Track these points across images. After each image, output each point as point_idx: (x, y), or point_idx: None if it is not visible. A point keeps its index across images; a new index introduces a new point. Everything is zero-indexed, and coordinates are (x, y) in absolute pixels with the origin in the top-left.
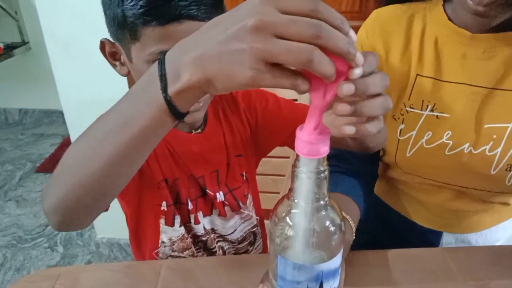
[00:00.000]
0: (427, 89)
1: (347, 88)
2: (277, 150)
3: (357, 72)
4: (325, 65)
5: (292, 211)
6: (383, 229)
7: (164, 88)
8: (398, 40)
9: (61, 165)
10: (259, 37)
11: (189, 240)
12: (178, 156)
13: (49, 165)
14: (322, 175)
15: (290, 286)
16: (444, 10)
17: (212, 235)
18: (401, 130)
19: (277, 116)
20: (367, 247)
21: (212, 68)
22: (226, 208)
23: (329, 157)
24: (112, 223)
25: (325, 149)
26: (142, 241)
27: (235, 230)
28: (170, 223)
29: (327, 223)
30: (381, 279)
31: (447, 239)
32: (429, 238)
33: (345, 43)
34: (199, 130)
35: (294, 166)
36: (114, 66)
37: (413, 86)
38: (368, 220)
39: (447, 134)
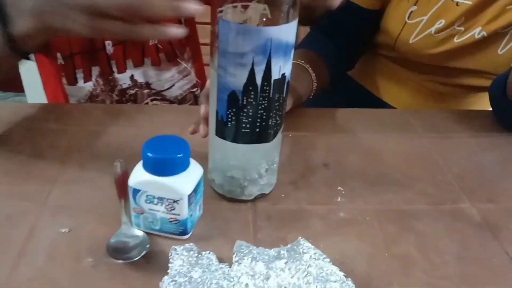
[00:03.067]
0: None
1: None
2: None
3: None
4: (158, 9)
5: None
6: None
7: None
8: None
9: None
10: None
11: (102, 97)
12: None
13: None
14: None
15: (233, 62)
16: None
17: (145, 91)
18: (411, 12)
19: None
20: None
21: (50, 20)
22: (161, 55)
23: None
24: None
25: None
26: None
27: (173, 85)
28: (72, 81)
29: None
30: (333, 127)
31: None
32: None
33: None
34: None
35: None
36: None
37: None
38: (336, 103)
39: (459, 20)
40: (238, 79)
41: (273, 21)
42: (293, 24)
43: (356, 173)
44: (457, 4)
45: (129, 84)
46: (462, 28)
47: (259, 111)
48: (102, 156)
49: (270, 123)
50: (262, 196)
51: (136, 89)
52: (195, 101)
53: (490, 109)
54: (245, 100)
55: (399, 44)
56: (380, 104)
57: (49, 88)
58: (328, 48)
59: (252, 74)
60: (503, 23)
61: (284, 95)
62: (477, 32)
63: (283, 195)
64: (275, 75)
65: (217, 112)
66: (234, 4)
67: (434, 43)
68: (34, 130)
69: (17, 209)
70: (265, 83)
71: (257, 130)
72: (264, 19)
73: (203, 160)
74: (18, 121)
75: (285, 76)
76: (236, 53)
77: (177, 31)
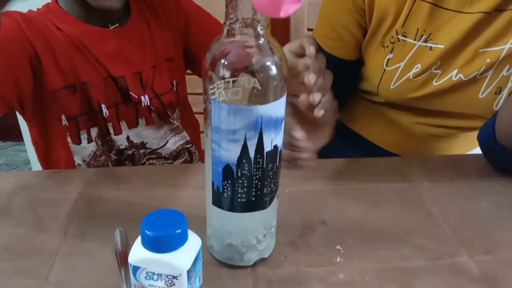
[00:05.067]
0: (424, 16)
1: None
2: None
3: None
4: None
5: (225, 42)
6: (341, 156)
7: None
8: None
9: None
10: None
11: (104, 158)
12: (90, 53)
13: None
14: None
15: (226, 138)
16: None
17: (141, 150)
18: (388, 59)
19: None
20: None
21: None
22: (153, 115)
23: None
24: None
25: None
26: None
27: (167, 142)
28: (76, 140)
29: (266, 57)
30: (328, 180)
31: None
32: None
33: None
34: (117, 25)
35: None
36: None
37: (409, 11)
38: (327, 148)
39: (436, 64)
40: (231, 153)
41: (262, 95)
42: (282, 100)
43: (354, 229)
44: (430, 48)
45: (126, 145)
46: (439, 71)
47: (254, 181)
48: (101, 225)
49: (265, 191)
50: (261, 260)
51: (133, 149)
52: (190, 156)
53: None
54: (239, 172)
55: (381, 90)
56: (372, 147)
57: (44, 150)
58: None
59: (245, 148)
60: (479, 66)
61: (277, 164)
62: (454, 74)
63: (282, 258)
64: (267, 147)
65: (213, 183)
66: (226, 80)
67: (414, 87)
68: (35, 200)
69: (18, 287)
70: (258, 156)
71: (253, 199)
72: (255, 90)
73: (201, 223)
74: (19, 191)
75: (277, 147)
76: (228, 130)
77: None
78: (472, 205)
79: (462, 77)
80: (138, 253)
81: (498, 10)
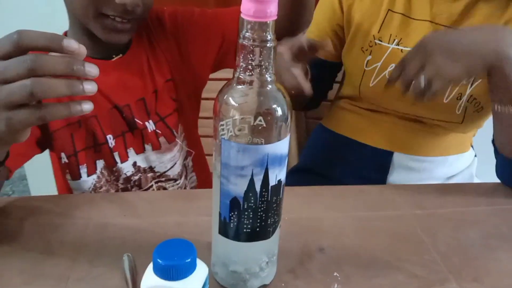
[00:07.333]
0: (396, 24)
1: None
2: None
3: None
4: (53, 90)
5: (235, 88)
6: (332, 162)
7: None
8: None
9: None
10: None
11: (104, 189)
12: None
13: None
14: (268, 44)
15: (234, 174)
16: None
17: (149, 174)
18: (367, 61)
19: (203, 25)
20: (316, 184)
21: None
22: (161, 139)
23: None
24: None
25: (272, 11)
26: None
27: (175, 163)
28: (76, 176)
29: (272, 102)
30: (325, 208)
31: (399, 160)
32: (380, 161)
33: (64, 65)
34: (121, 55)
35: (239, 36)
36: None
37: (383, 20)
38: (315, 156)
39: None
40: (239, 187)
41: (269, 135)
42: (286, 140)
43: (350, 257)
44: (401, 51)
45: (132, 171)
46: None
47: (259, 213)
48: (109, 250)
49: (269, 222)
50: (263, 286)
51: (140, 174)
52: (186, 172)
53: (470, 181)
54: (245, 205)
55: (362, 89)
56: (362, 147)
57: (58, 178)
58: None
59: (251, 183)
60: None
61: (280, 196)
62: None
63: (283, 284)
64: (272, 182)
65: (220, 214)
66: (234, 118)
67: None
68: (43, 225)
69: None
70: (264, 190)
71: (257, 229)
72: (260, 128)
73: (205, 249)
74: (27, 216)
75: (281, 182)
76: (237, 166)
77: (86, 106)
78: (461, 233)
79: None
80: (150, 280)
81: (453, 27)
